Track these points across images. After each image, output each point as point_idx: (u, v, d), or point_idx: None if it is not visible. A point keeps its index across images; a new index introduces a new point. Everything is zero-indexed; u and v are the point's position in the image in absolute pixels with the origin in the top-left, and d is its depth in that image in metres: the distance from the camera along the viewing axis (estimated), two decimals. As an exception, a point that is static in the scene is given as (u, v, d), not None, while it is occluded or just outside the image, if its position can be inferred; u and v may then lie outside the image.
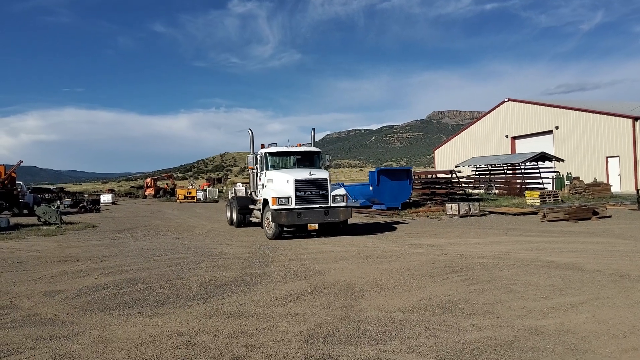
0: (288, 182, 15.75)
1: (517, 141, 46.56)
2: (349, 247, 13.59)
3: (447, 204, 24.71)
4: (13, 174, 33.31)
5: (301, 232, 17.04)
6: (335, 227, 16.76)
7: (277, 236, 15.69)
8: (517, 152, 43.66)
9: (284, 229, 16.23)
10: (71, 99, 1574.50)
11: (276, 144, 18.15)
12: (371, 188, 27.11)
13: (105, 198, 52.19)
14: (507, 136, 47.10)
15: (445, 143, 58.02)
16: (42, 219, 23.00)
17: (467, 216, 22.77)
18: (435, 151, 59.23)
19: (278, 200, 15.45)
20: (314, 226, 15.75)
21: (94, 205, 38.05)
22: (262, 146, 18.29)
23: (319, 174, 16.11)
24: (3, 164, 33.25)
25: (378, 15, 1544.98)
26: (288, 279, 9.41)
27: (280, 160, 17.71)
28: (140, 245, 15.27)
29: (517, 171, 37.75)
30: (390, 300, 7.50)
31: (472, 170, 41.29)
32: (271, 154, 17.61)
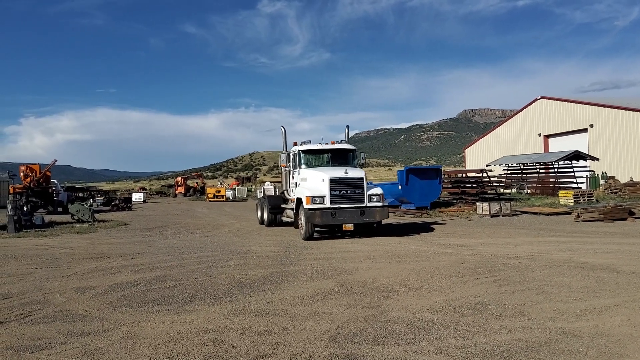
0: (322, 180, 15.27)
1: (550, 140, 45.64)
2: (377, 247, 13.49)
3: (477, 204, 24.40)
4: (48, 173, 34.09)
5: (335, 232, 16.58)
6: (369, 228, 16.24)
7: (310, 236, 15.28)
8: (550, 151, 42.81)
9: (317, 229, 15.91)
10: (104, 99, 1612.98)
11: (309, 142, 17.68)
12: (400, 187, 26.92)
13: (137, 196, 53.06)
14: (539, 134, 46.22)
15: (476, 142, 57.28)
16: (76, 217, 23.48)
17: (498, 216, 22.43)
18: (466, 150, 58.51)
19: (312, 199, 14.96)
20: (349, 226, 15.24)
21: (126, 203, 38.81)
22: (295, 144, 17.89)
23: (355, 172, 15.58)
24: (38, 163, 34.09)
25: (407, 13, 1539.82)
26: (315, 277, 9.38)
27: (313, 158, 17.28)
28: (170, 243, 15.46)
29: (550, 170, 37.00)
30: (418, 301, 7.40)
31: (504, 169, 40.64)
32: (304, 151, 17.16)
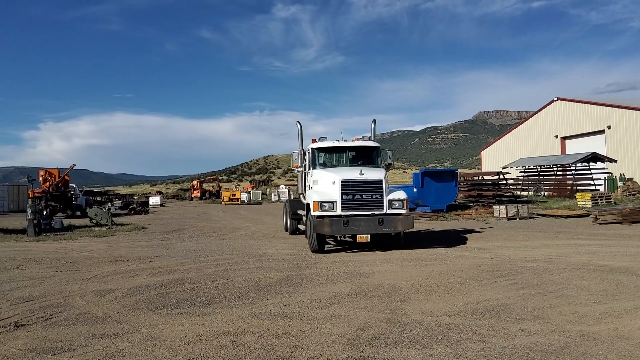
0: (333, 183, 13.17)
1: (567, 141, 45.25)
2: (393, 250, 13.44)
3: (494, 206, 24.24)
4: (66, 177, 34.60)
5: (353, 244, 14.42)
6: (390, 240, 14.00)
7: (317, 249, 13.31)
8: (567, 153, 42.43)
9: (331, 240, 14.58)
10: (121, 104, 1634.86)
11: (326, 138, 15.51)
12: (415, 190, 26.83)
13: (154, 200, 53.64)
14: (556, 136, 45.83)
15: (492, 144, 56.93)
16: (94, 221, 23.74)
17: (515, 219, 22.27)
18: (482, 152, 58.19)
19: (320, 205, 12.89)
20: (364, 238, 12.87)
21: (143, 207, 39.14)
22: (314, 141, 15.69)
23: (372, 173, 13.29)
24: (57, 168, 34.61)
25: (422, 16, 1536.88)
26: (331, 280, 9.39)
27: (332, 157, 15.18)
28: (187, 246, 15.56)
29: (568, 172, 36.66)
30: (435, 304, 7.38)
31: (521, 172, 40.35)
32: (319, 149, 15.03)
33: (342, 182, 13.00)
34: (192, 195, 68.74)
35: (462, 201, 31.28)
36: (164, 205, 53.03)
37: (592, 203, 26.06)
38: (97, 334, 6.27)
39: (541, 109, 48.91)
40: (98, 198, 47.34)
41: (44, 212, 21.73)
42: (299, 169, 16.19)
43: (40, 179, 33.64)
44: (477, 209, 26.92)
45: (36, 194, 31.63)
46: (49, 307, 7.73)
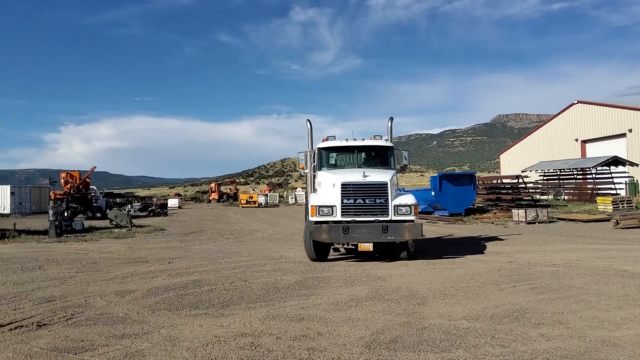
0: (334, 185, 12.10)
1: (587, 145, 44.69)
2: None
3: (513, 210, 24.04)
4: (87, 180, 35.10)
5: (363, 254, 13.24)
6: (395, 249, 12.65)
7: (317, 257, 12.43)
8: (587, 157, 41.91)
9: (340, 247, 13.55)
10: (141, 107, 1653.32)
11: (334, 137, 14.11)
12: (433, 193, 26.73)
13: (173, 202, 54.09)
14: (576, 140, 45.29)
15: (511, 147, 56.45)
16: (114, 222, 24.04)
17: (534, 223, 22.05)
18: (501, 155, 57.72)
19: (319, 209, 11.90)
20: (366, 246, 11.79)
21: (162, 209, 39.55)
22: (325, 140, 14.29)
23: (377, 175, 12.10)
24: (78, 170, 35.12)
25: (440, 18, 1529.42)
26: (348, 283, 9.40)
27: (342, 158, 14.18)
28: (205, 248, 15.68)
29: (588, 176, 36.24)
30: (454, 308, 7.35)
31: (540, 175, 39.98)
32: (325, 149, 13.84)
33: (342, 184, 11.95)
34: (210, 198, 69.29)
35: (481, 205, 31.07)
36: (182, 208, 53.49)
37: (613, 207, 25.72)
38: (117, 334, 6.35)
39: (561, 112, 48.39)
40: (118, 200, 47.97)
41: (65, 214, 22.06)
42: (306, 171, 14.82)
43: (62, 181, 34.19)
44: (495, 213, 26.72)
45: (57, 196, 32.13)
46: (70, 307, 7.84)
